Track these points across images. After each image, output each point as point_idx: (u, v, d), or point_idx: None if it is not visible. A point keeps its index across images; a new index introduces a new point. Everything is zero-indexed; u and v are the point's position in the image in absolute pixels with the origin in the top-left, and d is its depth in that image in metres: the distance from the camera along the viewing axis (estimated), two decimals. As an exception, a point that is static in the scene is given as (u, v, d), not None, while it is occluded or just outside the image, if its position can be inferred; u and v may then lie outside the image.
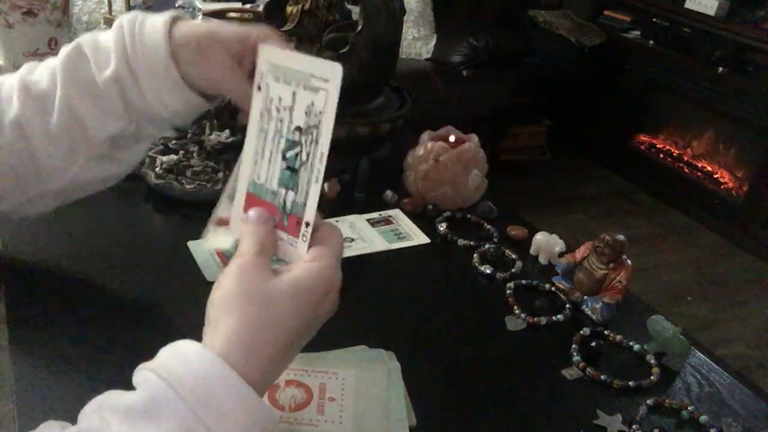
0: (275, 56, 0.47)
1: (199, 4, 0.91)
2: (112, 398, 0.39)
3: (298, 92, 0.45)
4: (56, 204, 0.62)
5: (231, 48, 0.53)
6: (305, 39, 0.98)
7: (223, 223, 0.52)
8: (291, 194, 0.46)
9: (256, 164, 0.48)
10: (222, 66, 0.53)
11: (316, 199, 0.45)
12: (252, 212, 0.47)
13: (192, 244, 0.76)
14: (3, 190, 0.58)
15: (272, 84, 0.47)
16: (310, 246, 0.46)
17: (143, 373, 0.39)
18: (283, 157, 0.46)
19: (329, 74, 0.43)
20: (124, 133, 0.58)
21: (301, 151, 0.45)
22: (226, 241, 0.49)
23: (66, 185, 0.60)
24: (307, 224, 0.45)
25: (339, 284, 0.45)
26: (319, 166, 0.45)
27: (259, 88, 0.48)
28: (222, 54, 0.53)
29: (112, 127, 0.57)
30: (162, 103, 0.56)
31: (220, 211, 0.53)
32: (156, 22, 0.55)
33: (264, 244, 0.45)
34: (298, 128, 0.45)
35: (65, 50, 0.57)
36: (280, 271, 0.44)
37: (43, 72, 0.58)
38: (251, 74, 0.52)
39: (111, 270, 0.71)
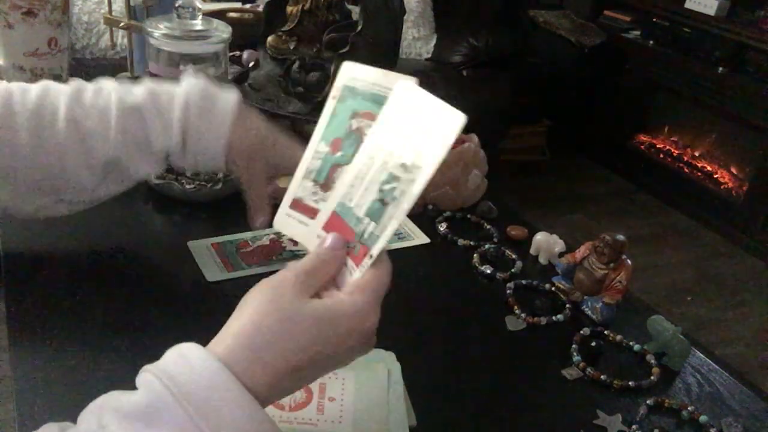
0: (408, 89, 0.45)
1: (199, 4, 0.91)
2: (112, 399, 0.38)
3: (417, 130, 0.44)
4: (67, 211, 0.66)
5: (270, 168, 0.63)
6: (305, 39, 0.98)
7: (298, 205, 0.49)
8: (372, 225, 0.44)
9: (353, 187, 0.46)
10: (257, 176, 0.63)
11: (390, 236, 0.43)
12: (331, 237, 0.45)
13: (192, 244, 0.76)
14: (27, 188, 0.62)
15: (399, 117, 0.45)
16: None
17: (146, 376, 0.39)
18: (380, 189, 0.44)
19: (451, 122, 0.42)
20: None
21: (398, 188, 0.43)
22: (301, 233, 0.48)
23: (84, 199, 0.65)
24: (371, 257, 0.44)
25: (374, 323, 0.43)
26: (406, 206, 0.43)
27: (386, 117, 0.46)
28: (261, 167, 0.63)
29: (146, 172, 0.65)
30: (194, 167, 0.65)
31: (296, 190, 0.50)
32: (224, 110, 0.62)
33: (318, 268, 0.44)
34: (404, 165, 0.44)
35: (124, 105, 0.62)
36: (320, 295, 0.43)
37: (92, 110, 0.61)
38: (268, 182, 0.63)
39: (111, 270, 0.71)
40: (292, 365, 0.40)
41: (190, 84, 0.63)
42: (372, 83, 0.48)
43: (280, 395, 0.42)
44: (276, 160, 0.63)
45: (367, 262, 0.44)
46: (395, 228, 0.43)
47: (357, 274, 0.44)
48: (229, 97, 0.63)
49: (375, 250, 0.44)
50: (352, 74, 0.49)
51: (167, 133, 0.62)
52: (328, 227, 0.47)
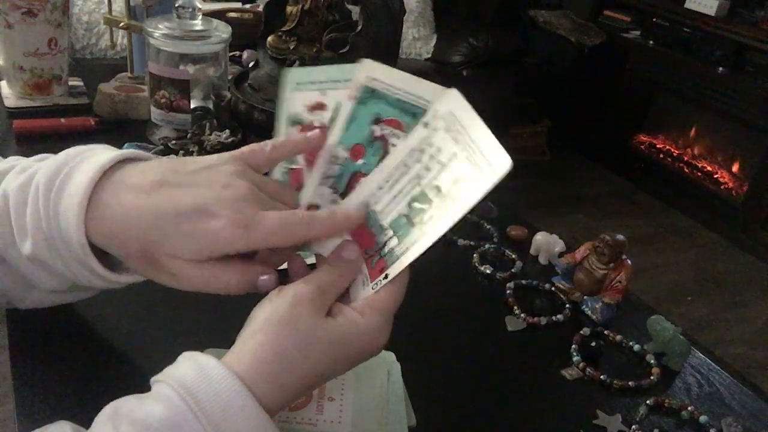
0: (460, 108, 0.41)
1: (199, 4, 0.91)
2: (129, 408, 0.38)
3: (459, 157, 0.40)
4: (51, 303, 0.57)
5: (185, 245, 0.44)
6: (305, 39, 0.98)
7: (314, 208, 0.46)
8: (394, 241, 0.42)
9: (380, 190, 0.43)
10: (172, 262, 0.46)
11: (410, 261, 0.41)
12: (348, 248, 0.44)
13: None
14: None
15: (441, 132, 0.41)
16: None
17: (165, 390, 0.38)
18: (409, 204, 0.42)
19: (497, 165, 0.38)
20: (67, 285, 0.51)
21: (427, 211, 0.41)
22: (317, 243, 0.45)
23: (39, 302, 0.55)
24: (387, 277, 0.42)
25: (385, 342, 0.43)
26: (432, 237, 0.40)
27: (426, 125, 0.42)
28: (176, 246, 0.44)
29: (46, 288, 0.51)
30: (91, 284, 0.48)
31: (312, 196, 0.46)
32: (72, 198, 0.43)
33: (333, 284, 0.43)
34: (438, 188, 0.41)
35: None
36: (332, 313, 0.42)
37: None
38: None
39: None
40: (306, 385, 0.41)
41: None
42: (397, 88, 0.44)
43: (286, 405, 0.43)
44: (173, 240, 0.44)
45: (382, 281, 0.42)
46: (417, 256, 0.41)
47: (370, 289, 0.43)
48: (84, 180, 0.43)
49: (392, 271, 0.42)
50: (373, 74, 0.45)
51: (23, 233, 0.46)
52: None
